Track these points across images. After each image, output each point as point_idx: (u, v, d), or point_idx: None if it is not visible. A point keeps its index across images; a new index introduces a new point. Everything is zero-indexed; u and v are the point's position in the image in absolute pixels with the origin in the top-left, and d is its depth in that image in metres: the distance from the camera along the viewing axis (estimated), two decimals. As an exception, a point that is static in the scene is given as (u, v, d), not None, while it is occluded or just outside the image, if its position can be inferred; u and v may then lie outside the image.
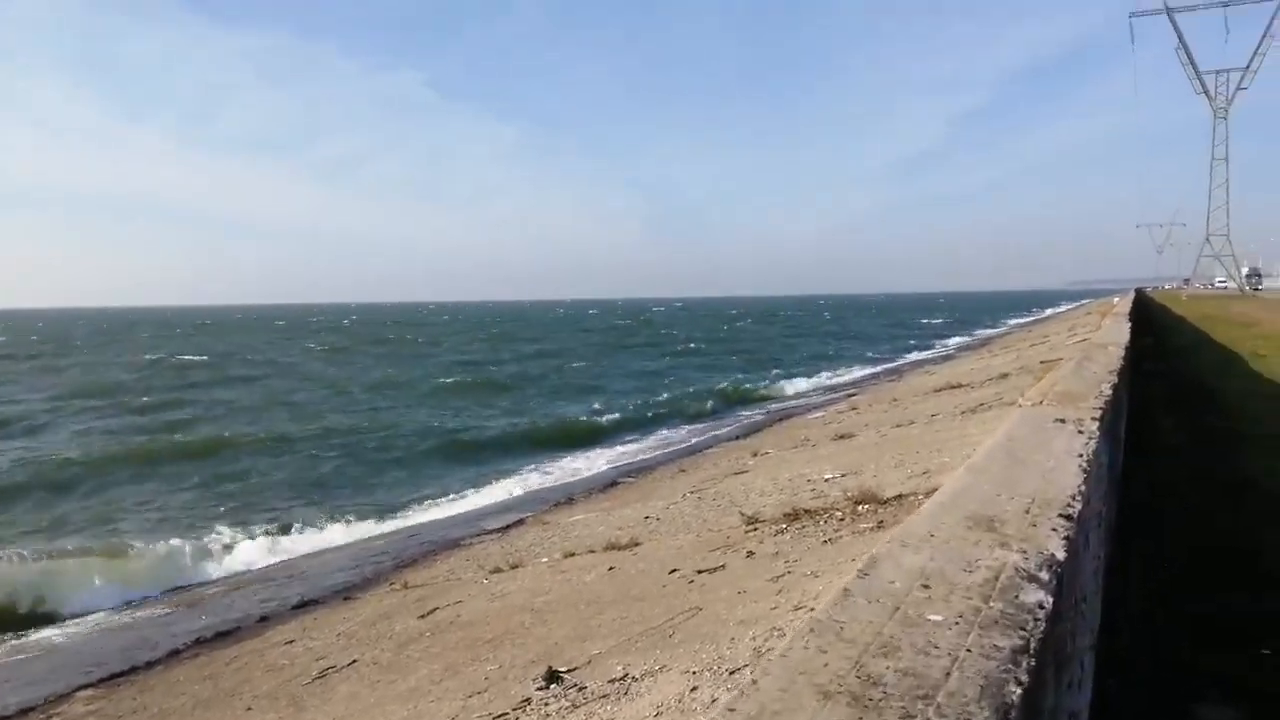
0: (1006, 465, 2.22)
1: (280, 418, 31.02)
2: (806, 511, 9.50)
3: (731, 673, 4.88)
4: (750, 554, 8.19)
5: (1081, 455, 2.43)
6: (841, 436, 17.35)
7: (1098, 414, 3.15)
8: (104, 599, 13.27)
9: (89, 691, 8.97)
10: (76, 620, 12.51)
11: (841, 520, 8.86)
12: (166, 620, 12.16)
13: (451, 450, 24.45)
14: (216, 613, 12.02)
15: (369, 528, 16.98)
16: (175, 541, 15.43)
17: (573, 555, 10.41)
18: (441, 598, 9.76)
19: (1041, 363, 22.34)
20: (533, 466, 22.16)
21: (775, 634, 5.38)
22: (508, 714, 5.13)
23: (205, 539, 15.83)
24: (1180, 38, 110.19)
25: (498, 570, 10.57)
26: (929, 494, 9.41)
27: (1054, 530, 1.72)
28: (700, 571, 7.88)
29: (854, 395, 30.28)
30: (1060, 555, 1.58)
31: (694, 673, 5.04)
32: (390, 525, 17.11)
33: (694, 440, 24.39)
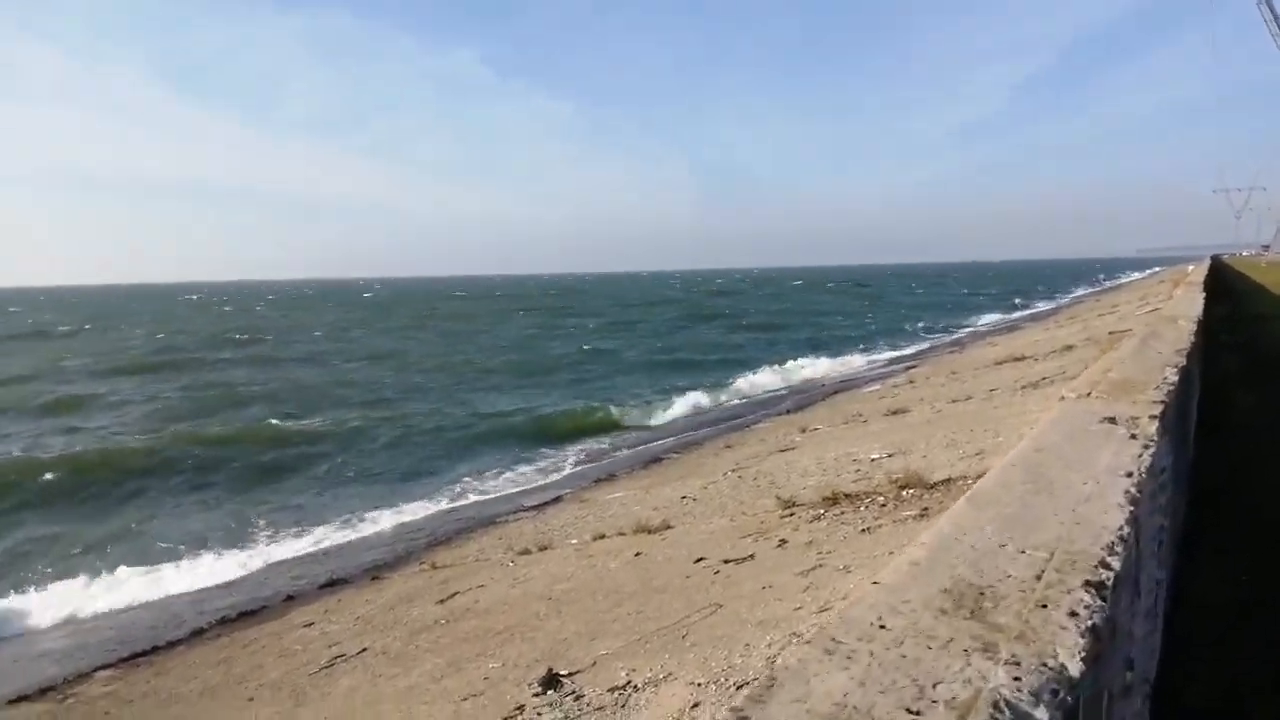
0: (1026, 492, 1.66)
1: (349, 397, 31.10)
2: (847, 496, 8.92)
3: (739, 687, 4.38)
4: (782, 543, 7.66)
5: (1132, 476, 1.81)
6: (894, 412, 16.62)
7: (1158, 411, 2.51)
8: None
9: (108, 672, 8.82)
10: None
11: (883, 506, 8.27)
12: (200, 598, 12.04)
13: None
14: (247, 590, 11.88)
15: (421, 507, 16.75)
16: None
17: (602, 538, 9.98)
18: (465, 580, 9.41)
19: (1110, 333, 21.27)
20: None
21: (794, 641, 4.85)
22: (497, 724, 4.71)
23: (246, 524, 15.68)
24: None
25: (525, 552, 10.19)
26: (981, 477, 8.79)
27: (1073, 615, 1.16)
28: (727, 561, 7.37)
29: (913, 367, 29.31)
30: (1075, 668, 1.04)
31: (699, 685, 4.55)
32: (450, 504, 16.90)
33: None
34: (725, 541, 8.25)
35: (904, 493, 8.61)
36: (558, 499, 14.65)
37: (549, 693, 4.94)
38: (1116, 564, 1.31)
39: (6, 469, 19.39)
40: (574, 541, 10.17)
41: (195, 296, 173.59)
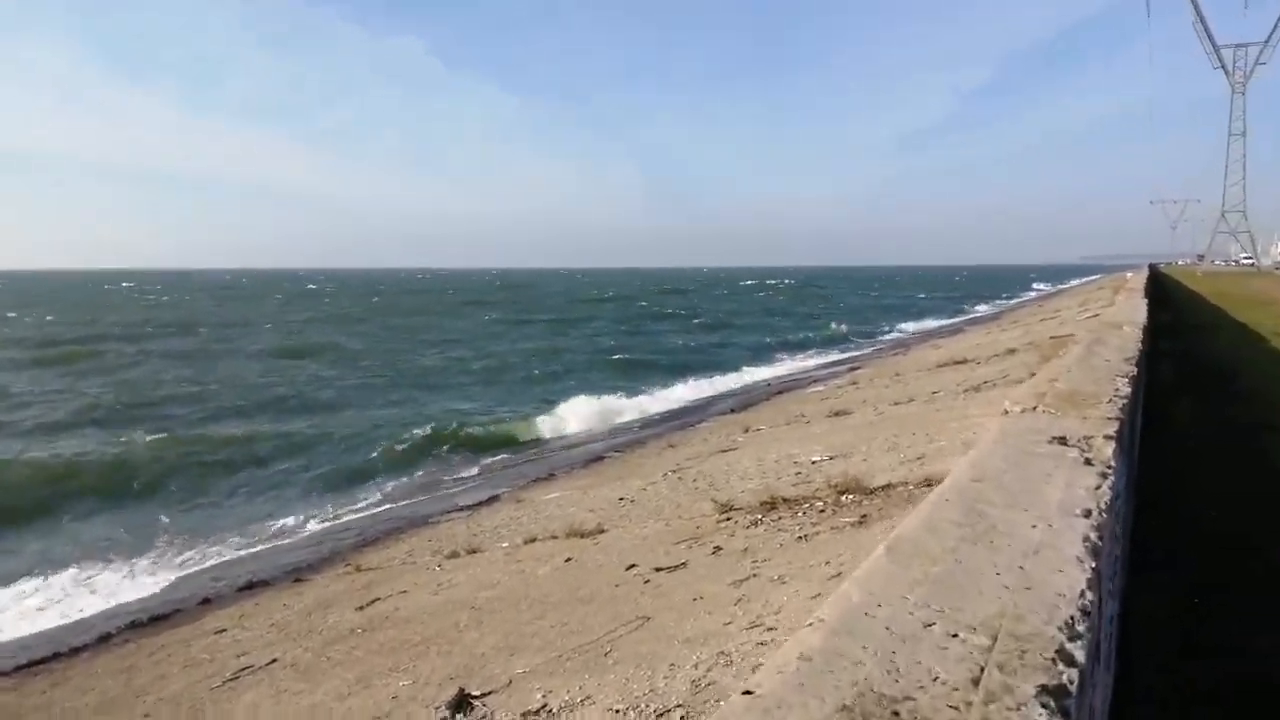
0: (961, 540, 1.35)
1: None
2: (785, 500, 8.67)
3: (659, 715, 4.07)
4: (717, 549, 7.38)
5: (1090, 515, 1.48)
6: (837, 413, 16.48)
7: (1113, 430, 2.22)
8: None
9: (2, 680, 8.26)
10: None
11: (822, 512, 8.03)
12: (119, 600, 11.45)
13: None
14: (161, 593, 11.34)
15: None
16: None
17: (533, 541, 9.62)
18: (388, 585, 9.00)
19: (1051, 338, 21.42)
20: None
21: (721, 661, 4.56)
22: (398, 753, 4.35)
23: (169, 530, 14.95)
24: (1198, 11, 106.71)
25: (454, 555, 9.80)
26: (920, 484, 8.58)
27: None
28: (659, 569, 7.07)
29: (857, 368, 29.35)
30: None
31: (618, 712, 4.23)
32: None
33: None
34: (659, 547, 7.95)
35: (843, 498, 8.39)
36: (494, 499, 14.24)
37: (458, 717, 4.59)
38: (1080, 653, 1.00)
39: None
40: (504, 545, 9.80)
41: (128, 285, 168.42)
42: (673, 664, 4.71)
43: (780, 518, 8.10)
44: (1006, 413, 2.64)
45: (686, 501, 10.11)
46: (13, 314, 68.60)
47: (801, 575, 6.07)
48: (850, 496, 8.40)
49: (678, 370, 33.69)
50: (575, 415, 23.52)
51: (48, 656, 8.98)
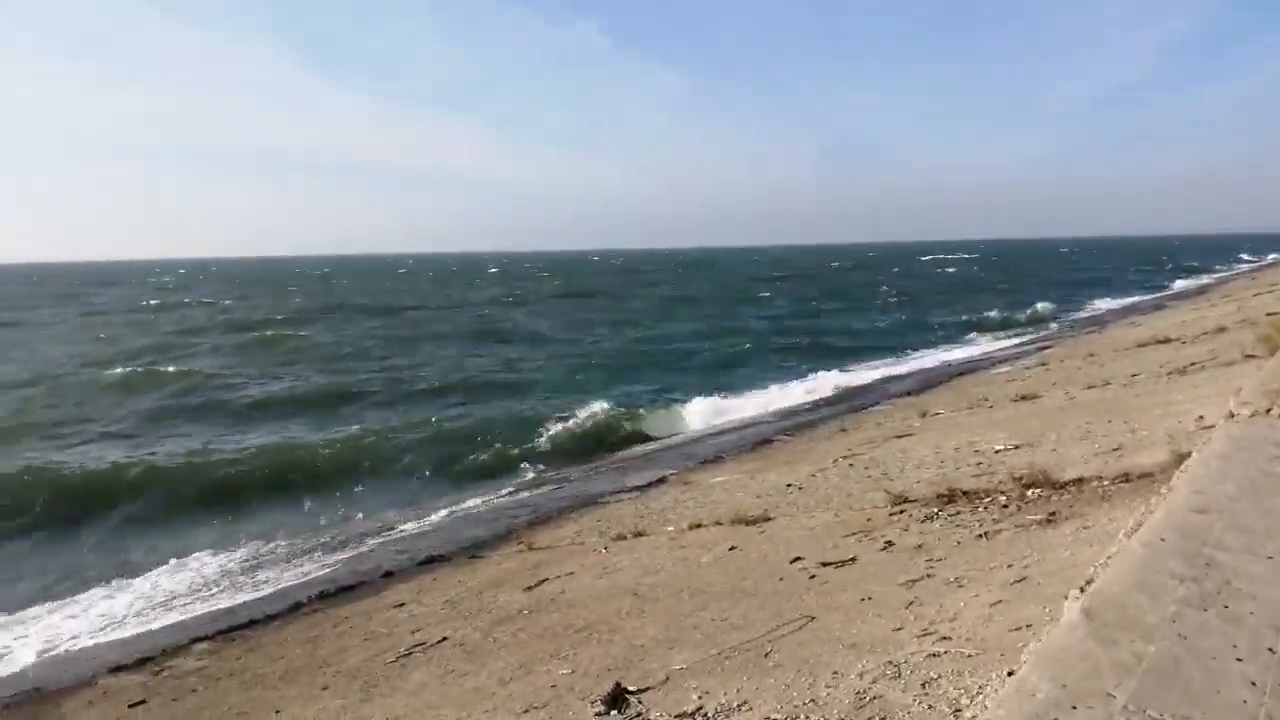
0: (1183, 604, 1.02)
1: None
2: (965, 493, 8.17)
3: (819, 729, 3.82)
4: (889, 544, 7.00)
5: None
6: (1023, 398, 15.50)
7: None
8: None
9: (204, 644, 8.88)
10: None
11: (1004, 508, 7.50)
12: (309, 569, 12.10)
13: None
14: (350, 563, 11.90)
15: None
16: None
17: (698, 526, 9.49)
18: (556, 566, 9.10)
19: (1269, 315, 19.37)
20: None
21: (889, 672, 4.25)
22: (552, 747, 4.29)
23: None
24: None
25: (621, 538, 9.81)
26: (1117, 479, 7.83)
27: None
28: (826, 564, 6.77)
29: (1047, 348, 27.59)
30: None
31: (775, 720, 4.01)
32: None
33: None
34: (826, 539, 7.64)
35: (1029, 492, 7.81)
36: (662, 480, 14.22)
37: (612, 713, 4.50)
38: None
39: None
40: (670, 529, 9.71)
41: (325, 271, 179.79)
42: (836, 671, 4.44)
43: (958, 512, 7.63)
44: (1232, 416, 2.23)
45: (857, 491, 9.71)
46: (228, 301, 74.50)
47: (980, 578, 5.64)
48: (1036, 491, 7.81)
49: (853, 352, 32.72)
50: (748, 398, 23.26)
51: (244, 623, 9.58)
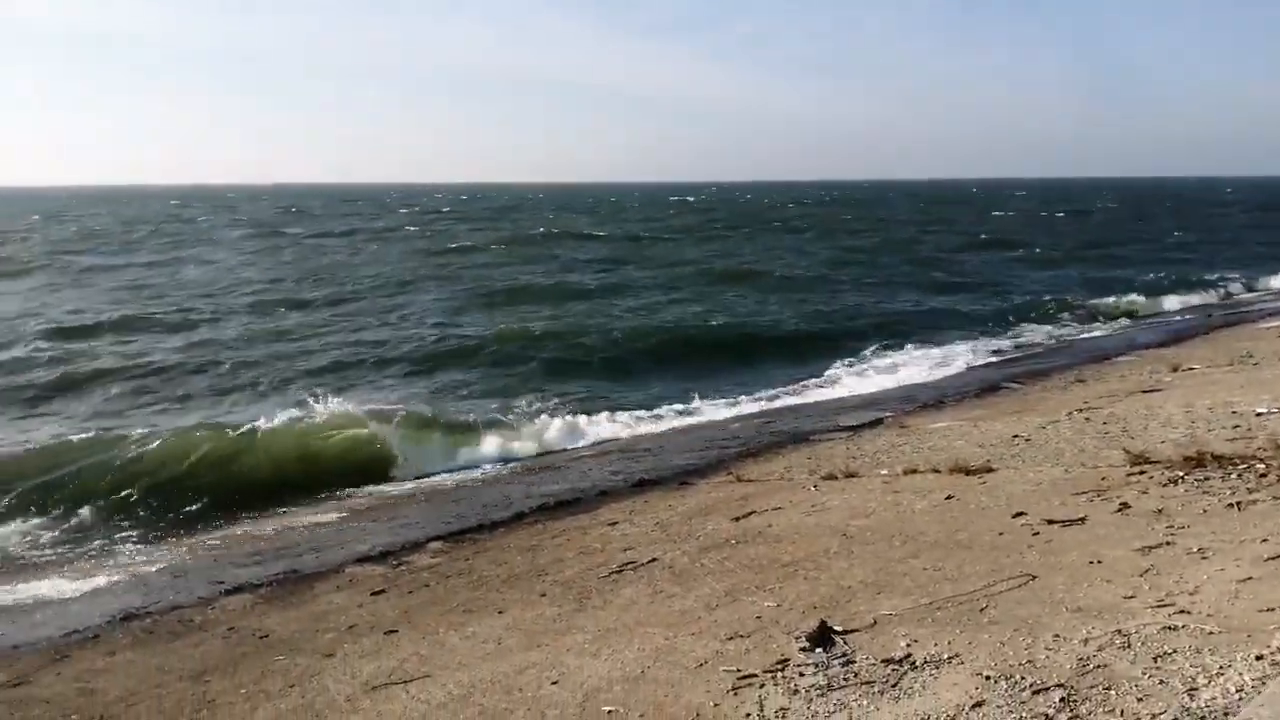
0: None
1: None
2: (1216, 457, 7.48)
3: (1035, 693, 3.67)
4: (1124, 507, 6.55)
5: None
6: (1297, 356, 13.91)
7: None
8: (487, 457, 14.25)
9: (438, 544, 9.62)
10: (461, 473, 13.59)
11: (1263, 476, 6.84)
12: (530, 482, 12.79)
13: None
14: (570, 480, 12.48)
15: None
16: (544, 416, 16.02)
17: (914, 472, 9.23)
18: (764, 500, 9.15)
19: None
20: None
21: (1118, 641, 4.02)
22: (755, 676, 4.36)
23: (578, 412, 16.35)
24: None
25: (830, 477, 9.71)
26: None
27: None
28: (1052, 522, 6.43)
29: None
30: None
31: (987, 678, 3.89)
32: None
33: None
34: (1054, 496, 7.24)
35: (1295, 462, 7.05)
36: (878, 421, 13.90)
37: (817, 650, 4.51)
38: None
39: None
40: (883, 472, 9.51)
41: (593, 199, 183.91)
42: (1058, 635, 4.23)
43: (1207, 478, 7.01)
44: None
45: (1091, 447, 9.10)
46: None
47: (1228, 550, 5.19)
48: (1305, 461, 7.03)
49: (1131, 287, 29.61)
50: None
51: (473, 526, 10.30)
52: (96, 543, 10.52)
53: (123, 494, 11.93)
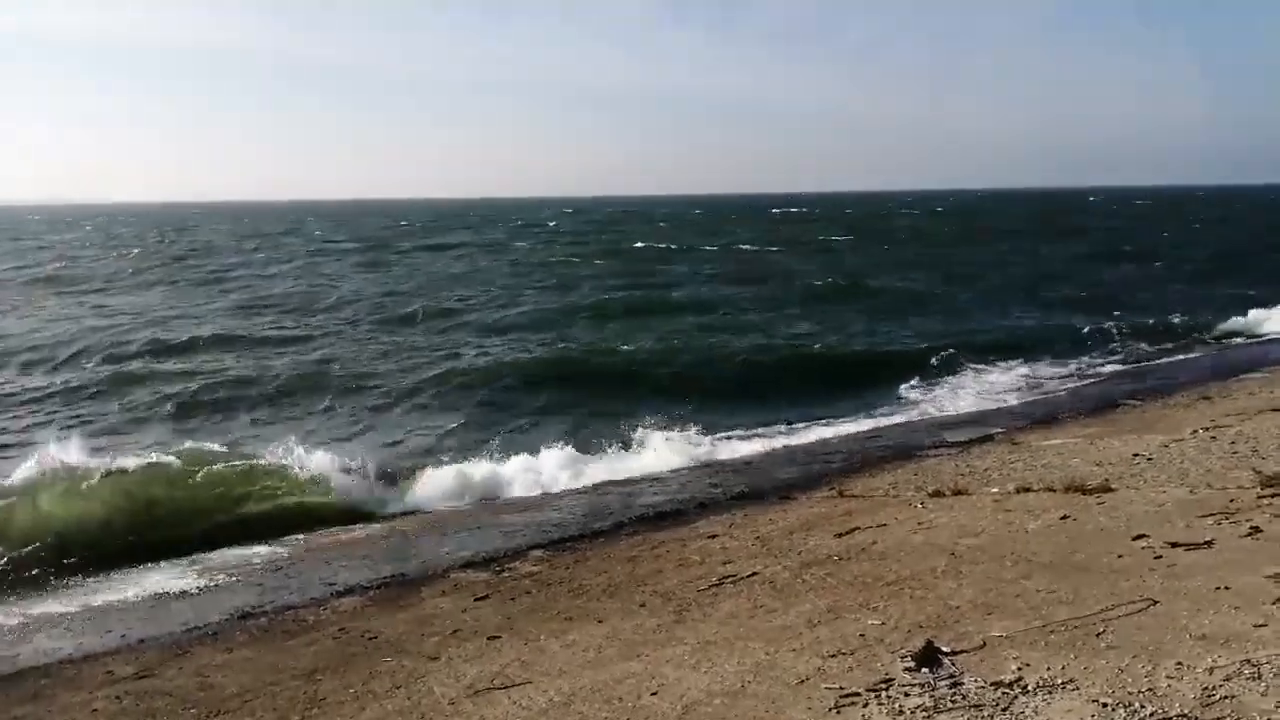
0: None
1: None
2: (1357, 480, 7.00)
3: (1156, 722, 3.51)
4: (1255, 531, 6.20)
5: None
6: None
7: None
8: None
9: (540, 552, 9.75)
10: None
11: None
12: (632, 493, 12.80)
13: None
14: (669, 492, 12.48)
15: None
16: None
17: (1026, 490, 8.93)
18: (869, 516, 8.98)
19: None
20: None
21: (1246, 672, 3.80)
22: (858, 694, 4.27)
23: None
24: None
25: (938, 494, 9.47)
26: None
27: None
28: (1175, 545, 6.13)
29: None
30: None
31: (1105, 706, 3.74)
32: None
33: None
34: (1177, 518, 6.90)
35: None
36: (988, 438, 13.49)
37: (923, 670, 4.40)
38: None
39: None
40: (994, 490, 9.23)
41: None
42: (1180, 662, 4.03)
43: (1350, 501, 6.57)
44: None
45: (1219, 467, 8.64)
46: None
47: (1374, 580, 4.84)
48: None
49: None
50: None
51: (575, 535, 10.40)
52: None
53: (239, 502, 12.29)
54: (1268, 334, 23.29)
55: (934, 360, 21.13)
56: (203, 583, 9.30)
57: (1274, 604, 4.69)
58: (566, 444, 14.83)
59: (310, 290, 37.93)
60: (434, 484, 12.76)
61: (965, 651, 4.63)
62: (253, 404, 18.87)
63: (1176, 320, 24.97)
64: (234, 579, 9.41)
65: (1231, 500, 7.20)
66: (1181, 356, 21.45)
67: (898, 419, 16.89)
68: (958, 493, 9.41)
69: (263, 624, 7.88)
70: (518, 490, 13.07)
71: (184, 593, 9.05)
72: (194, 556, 10.17)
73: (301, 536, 11.02)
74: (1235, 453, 9.20)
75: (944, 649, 4.64)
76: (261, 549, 10.45)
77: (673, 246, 61.44)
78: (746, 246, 61.40)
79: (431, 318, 30.09)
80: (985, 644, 4.71)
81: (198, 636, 7.65)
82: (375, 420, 17.82)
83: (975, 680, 4.23)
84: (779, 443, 15.18)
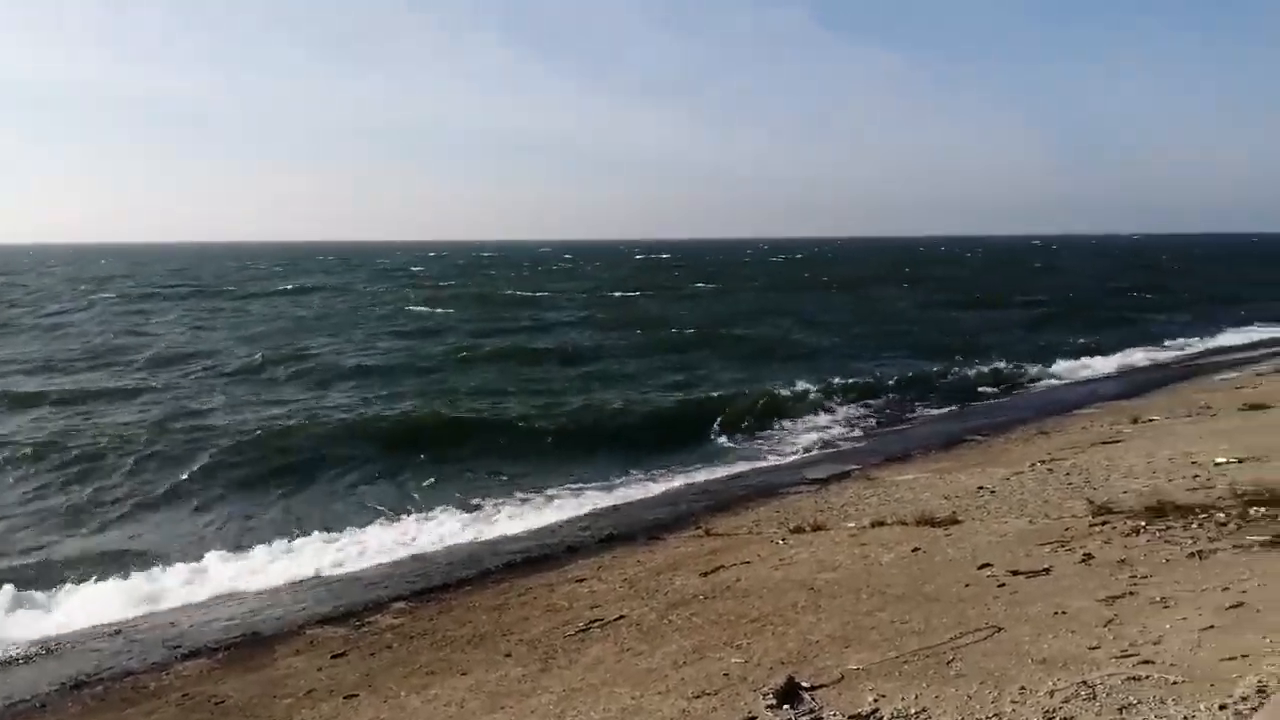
0: None
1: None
2: (1178, 507, 7.58)
3: (1001, 746, 3.65)
4: (1088, 557, 6.60)
5: None
6: (1253, 406, 14.20)
7: None
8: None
9: (402, 603, 9.44)
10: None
11: (1223, 525, 6.91)
12: (498, 542, 12.50)
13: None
14: (540, 537, 12.29)
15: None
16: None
17: (881, 524, 9.25)
18: (733, 554, 9.11)
19: None
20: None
21: (1083, 693, 4.01)
22: (722, 734, 4.30)
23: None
24: None
25: (799, 530, 9.70)
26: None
27: None
28: (1017, 573, 6.46)
29: (1284, 354, 25.06)
30: None
31: (954, 732, 3.86)
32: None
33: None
34: (1019, 547, 7.28)
35: (1252, 511, 7.18)
36: (845, 474, 13.94)
37: (784, 708, 4.47)
38: None
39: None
40: (850, 525, 9.52)
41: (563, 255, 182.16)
42: (1024, 687, 4.23)
43: (1168, 527, 7.09)
44: None
45: (1056, 498, 9.18)
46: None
47: (1190, 600, 5.23)
48: (1261, 509, 7.16)
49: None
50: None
51: (439, 585, 10.12)
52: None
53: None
54: (1098, 374, 25.04)
55: (793, 403, 21.72)
56: (30, 651, 8.61)
57: (1105, 626, 4.98)
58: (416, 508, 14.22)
59: (119, 341, 35.35)
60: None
61: (825, 685, 4.73)
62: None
63: (1014, 363, 26.50)
64: (67, 645, 8.75)
65: (1067, 529, 7.64)
66: (1020, 393, 22.81)
67: (760, 462, 17.17)
68: (817, 528, 9.66)
69: (98, 693, 7.34)
70: (381, 557, 12.45)
71: (8, 661, 8.35)
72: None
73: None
74: (1070, 484, 9.78)
75: (804, 684, 4.72)
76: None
77: (540, 293, 61.32)
78: (615, 293, 61.82)
79: (273, 365, 28.46)
80: (843, 677, 4.82)
81: (23, 711, 7.06)
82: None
83: (834, 714, 4.32)
84: (648, 489, 15.19)
